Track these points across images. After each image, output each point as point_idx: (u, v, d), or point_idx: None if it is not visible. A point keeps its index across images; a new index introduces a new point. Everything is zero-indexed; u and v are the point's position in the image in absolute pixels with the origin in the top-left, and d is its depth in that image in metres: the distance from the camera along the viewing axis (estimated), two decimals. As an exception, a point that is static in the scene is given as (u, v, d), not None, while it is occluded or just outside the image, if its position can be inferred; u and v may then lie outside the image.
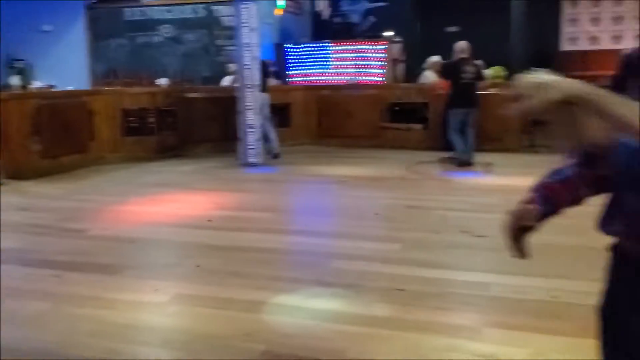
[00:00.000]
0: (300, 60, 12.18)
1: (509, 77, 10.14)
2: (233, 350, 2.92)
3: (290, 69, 12.21)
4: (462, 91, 7.99)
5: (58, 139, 7.88)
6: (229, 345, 2.97)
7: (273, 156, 8.70)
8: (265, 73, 8.63)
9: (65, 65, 12.06)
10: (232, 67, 8.71)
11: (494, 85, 9.69)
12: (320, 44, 12.12)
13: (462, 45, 8.11)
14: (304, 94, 10.58)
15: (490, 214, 5.54)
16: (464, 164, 8.01)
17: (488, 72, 10.24)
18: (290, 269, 4.19)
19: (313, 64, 12.03)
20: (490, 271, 3.95)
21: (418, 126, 9.73)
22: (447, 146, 8.38)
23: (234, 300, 3.52)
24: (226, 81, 9.94)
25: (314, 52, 12.05)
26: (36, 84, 10.63)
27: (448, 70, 8.32)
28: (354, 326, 3.17)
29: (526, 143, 9.04)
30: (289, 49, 12.28)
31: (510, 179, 6.93)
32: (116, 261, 4.28)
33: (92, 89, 10.81)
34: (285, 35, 12.99)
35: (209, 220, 5.34)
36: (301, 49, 12.25)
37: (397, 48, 11.67)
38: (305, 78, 12.03)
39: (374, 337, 3.05)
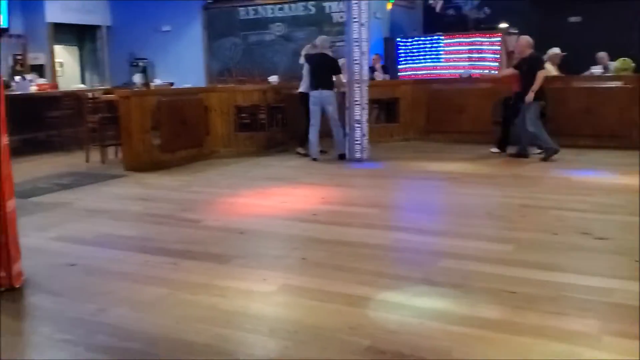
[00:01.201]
0: (410, 54, 12.04)
1: (636, 69, 9.44)
2: (338, 343, 2.93)
3: (400, 62, 12.10)
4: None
5: (176, 134, 8.31)
6: (334, 338, 2.98)
7: (339, 156, 8.51)
8: (333, 69, 8.46)
9: (183, 63, 12.72)
10: (340, 62, 8.75)
11: (618, 79, 9.08)
12: (432, 37, 11.91)
13: (529, 39, 8.18)
14: (413, 88, 10.43)
15: (612, 215, 5.19)
16: (553, 153, 7.92)
17: (614, 64, 9.60)
18: (395, 265, 4.14)
19: (424, 57, 11.85)
20: (613, 276, 3.69)
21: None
22: (516, 140, 8.37)
23: (339, 293, 3.53)
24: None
25: (425, 46, 11.87)
26: (156, 82, 11.27)
27: (536, 62, 8.10)
28: (461, 327, 3.07)
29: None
30: (399, 43, 12.17)
31: (634, 178, 6.46)
32: (227, 251, 4.43)
33: (207, 86, 11.31)
34: (395, 29, 12.89)
35: (314, 215, 5.41)
36: (412, 43, 12.10)
37: (512, 40, 11.22)
38: (415, 72, 11.88)
39: (482, 339, 2.94)
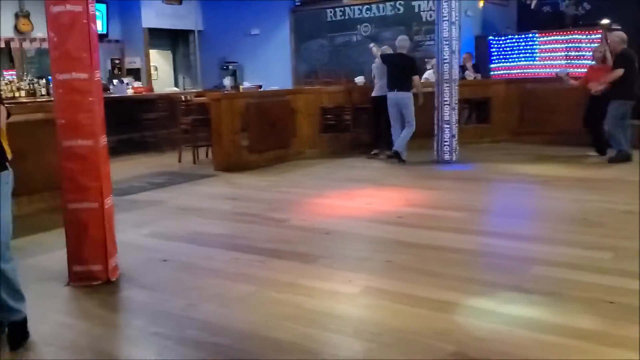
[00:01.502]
0: (503, 53, 11.70)
1: None
2: (423, 347, 2.88)
3: (493, 61, 11.78)
4: (631, 82, 7.60)
5: (263, 135, 8.48)
6: (420, 342, 2.93)
7: (393, 154, 8.31)
8: (410, 70, 8.20)
9: (271, 66, 12.96)
10: (430, 62, 8.61)
11: None
12: (526, 35, 11.51)
13: (623, 35, 7.84)
14: (506, 88, 10.09)
15: None
16: (626, 158, 7.65)
17: None
18: (484, 271, 4.02)
19: (517, 56, 11.47)
20: None
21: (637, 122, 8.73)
22: (596, 141, 8.15)
23: (425, 298, 3.47)
24: (427, 76, 9.90)
25: (519, 44, 11.48)
26: (245, 84, 11.54)
27: (625, 60, 7.73)
28: (553, 336, 2.94)
29: None
30: (491, 41, 11.86)
31: None
32: (313, 251, 4.46)
33: (294, 88, 11.45)
34: (488, 27, 12.57)
35: (399, 217, 5.34)
36: (505, 41, 11.75)
37: (612, 37, 10.61)
38: (508, 71, 11.53)
39: (576, 350, 2.79)
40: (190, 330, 3.15)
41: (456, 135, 8.20)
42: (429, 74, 9.93)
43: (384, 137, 8.71)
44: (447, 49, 7.97)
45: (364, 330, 3.11)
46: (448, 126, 8.12)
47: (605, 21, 11.08)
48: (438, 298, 3.46)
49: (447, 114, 8.10)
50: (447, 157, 8.17)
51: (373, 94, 8.80)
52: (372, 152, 8.89)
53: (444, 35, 7.96)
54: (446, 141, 8.16)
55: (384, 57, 8.52)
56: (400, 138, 8.21)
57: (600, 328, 3.00)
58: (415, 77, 8.19)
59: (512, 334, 2.98)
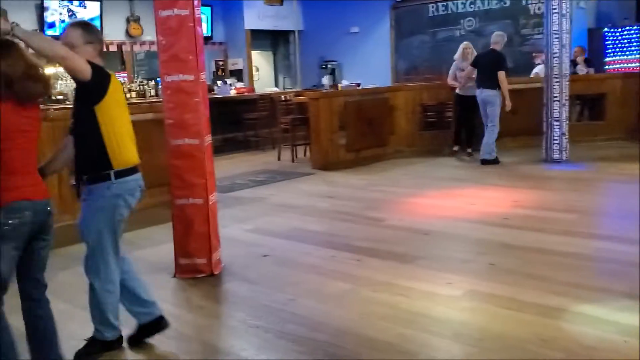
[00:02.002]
0: (620, 46, 10.99)
1: None
2: (528, 354, 2.75)
3: (608, 55, 11.09)
4: None
5: (361, 134, 8.46)
6: (524, 349, 2.80)
7: (481, 161, 7.91)
8: (496, 66, 7.80)
9: (370, 64, 12.91)
10: (541, 56, 8.20)
11: None
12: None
13: None
14: (623, 83, 9.44)
15: None
16: None
17: None
18: (595, 277, 3.78)
19: (636, 48, 10.73)
20: None
21: None
22: None
23: (531, 303, 3.31)
24: (537, 71, 9.48)
25: (638, 36, 10.73)
26: (344, 83, 11.57)
27: None
28: (674, 350, 2.71)
29: None
30: (607, 34, 11.17)
31: None
32: (411, 251, 4.39)
33: (393, 86, 11.35)
34: (602, 18, 11.84)
35: (505, 219, 5.14)
36: (622, 33, 11.03)
37: None
38: (625, 65, 10.81)
39: (703, 367, 2.56)
40: (290, 325, 3.19)
41: (566, 133, 7.78)
42: (539, 69, 9.49)
43: (466, 136, 8.61)
44: (557, 42, 7.59)
45: (465, 333, 3.02)
46: (558, 123, 7.73)
47: None
48: (545, 303, 3.29)
49: (557, 110, 7.72)
50: (556, 155, 7.78)
51: (456, 91, 8.59)
52: (453, 149, 8.73)
53: (554, 29, 7.59)
54: (556, 139, 7.77)
55: (474, 59, 8.24)
56: (483, 145, 7.94)
57: None
58: (500, 73, 7.79)
59: (625, 344, 2.78)
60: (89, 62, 2.65)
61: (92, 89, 2.69)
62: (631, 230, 4.63)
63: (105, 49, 2.83)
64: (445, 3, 11.97)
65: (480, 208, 5.59)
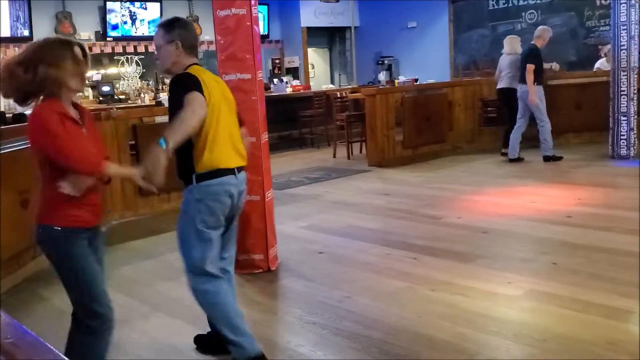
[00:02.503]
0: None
1: None
2: (592, 356, 2.65)
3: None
4: None
5: (419, 130, 8.36)
6: (588, 351, 2.70)
7: (544, 158, 7.58)
8: (526, 60, 7.44)
9: (428, 59, 12.75)
10: (604, 49, 7.89)
11: None
12: None
13: None
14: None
15: None
16: None
17: None
18: (666, 277, 3.61)
19: None
20: None
21: None
22: None
23: (595, 304, 3.19)
24: (599, 65, 9.13)
25: None
26: (401, 79, 11.46)
27: None
28: None
29: None
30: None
31: None
32: (469, 250, 4.31)
33: (451, 81, 11.16)
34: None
35: (569, 217, 4.98)
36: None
37: None
38: None
39: None
40: (346, 322, 3.18)
41: (635, 129, 7.46)
42: (600, 63, 9.13)
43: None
44: (625, 34, 7.29)
45: (526, 334, 2.93)
46: (625, 118, 7.43)
47: None
48: (610, 305, 3.16)
49: (624, 105, 7.41)
50: (623, 152, 7.48)
51: (500, 86, 8.17)
52: (502, 151, 8.18)
53: (622, 20, 7.28)
54: (623, 135, 7.47)
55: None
56: (540, 142, 7.67)
57: None
58: (528, 66, 7.42)
59: (699, 350, 2.64)
60: (178, 83, 2.53)
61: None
62: None
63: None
64: (506, -4, 11.69)
65: (541, 206, 5.43)
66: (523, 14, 11.44)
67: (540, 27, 7.91)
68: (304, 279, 3.92)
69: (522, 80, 7.54)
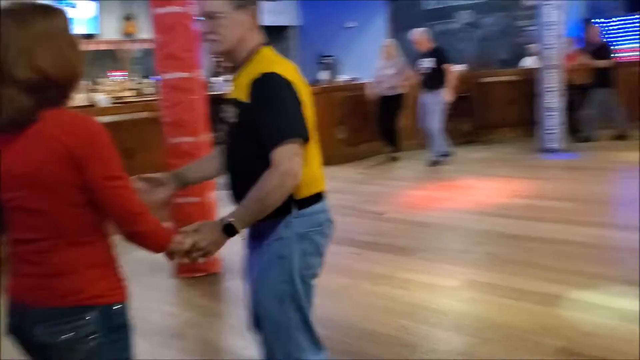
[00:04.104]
0: (613, 36, 10.98)
1: None
2: (528, 343, 2.77)
3: (602, 45, 11.08)
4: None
5: (360, 128, 8.46)
6: (524, 338, 2.82)
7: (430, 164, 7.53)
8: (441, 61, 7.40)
9: (368, 58, 12.86)
10: (532, 48, 8.18)
11: None
12: (637, 16, 10.75)
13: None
14: (619, 72, 9.45)
15: None
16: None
17: None
18: (592, 263, 3.80)
19: (628, 38, 10.74)
20: None
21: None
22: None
23: (529, 291, 3.34)
24: (526, 62, 9.48)
25: (630, 26, 10.74)
26: (341, 78, 11.56)
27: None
28: (671, 333, 2.73)
29: None
30: (600, 24, 11.17)
31: None
32: (410, 243, 4.41)
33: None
34: (596, 9, 11.84)
35: (504, 208, 5.16)
36: (614, 23, 11.03)
37: None
38: (621, 54, 10.81)
39: (700, 350, 2.58)
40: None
41: (562, 123, 7.79)
42: (529, 61, 9.48)
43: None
44: (551, 33, 7.60)
45: (465, 324, 3.04)
46: (553, 113, 7.74)
47: None
48: (544, 291, 3.32)
49: (552, 100, 7.73)
50: (552, 145, 7.80)
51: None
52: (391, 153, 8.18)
53: (548, 19, 7.61)
54: (552, 129, 7.78)
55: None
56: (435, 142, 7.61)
57: None
58: (449, 66, 7.48)
59: (622, 328, 2.82)
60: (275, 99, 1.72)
61: None
62: (627, 217, 4.66)
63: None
64: (441, -4, 11.96)
65: (478, 198, 5.61)
66: (457, 14, 11.74)
67: (417, 30, 7.89)
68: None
69: (433, 85, 7.41)
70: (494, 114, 9.10)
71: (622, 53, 10.73)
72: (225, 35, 1.75)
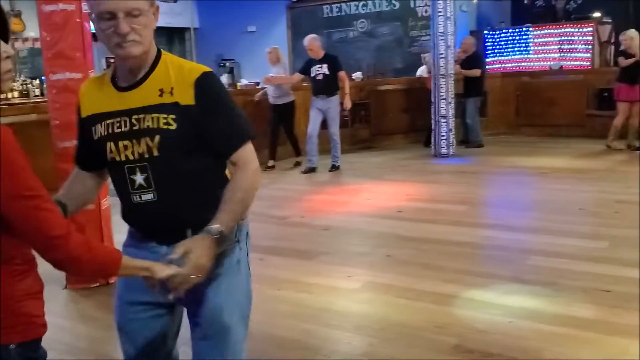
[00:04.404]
0: (498, 47, 11.70)
1: None
2: (425, 341, 2.88)
3: (488, 56, 11.77)
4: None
5: (260, 134, 8.43)
6: (421, 337, 2.93)
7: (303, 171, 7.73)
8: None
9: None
10: (425, 57, 8.55)
11: None
12: (521, 29, 11.53)
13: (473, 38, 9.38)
14: (502, 82, 10.11)
15: None
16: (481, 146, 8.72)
17: None
18: (483, 263, 4.03)
19: (512, 50, 11.48)
20: None
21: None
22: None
23: (426, 291, 3.47)
24: (421, 72, 9.88)
25: (514, 38, 11.49)
26: (243, 82, 11.49)
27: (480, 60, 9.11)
28: (552, 326, 2.95)
29: None
30: (486, 36, 11.85)
31: None
32: (312, 247, 4.46)
33: (294, 85, 11.38)
34: (482, 21, 12.56)
35: (399, 212, 5.35)
36: (500, 35, 11.75)
37: (606, 30, 10.65)
38: (503, 65, 11.53)
39: (575, 338, 2.81)
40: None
41: (453, 130, 8.20)
42: (422, 70, 9.88)
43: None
44: (443, 44, 7.97)
45: (365, 325, 3.11)
46: (445, 120, 8.12)
47: (596, 14, 11.10)
48: (439, 291, 3.46)
49: (444, 108, 8.10)
50: (444, 151, 8.17)
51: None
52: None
53: (440, 31, 7.97)
54: (443, 135, 8.16)
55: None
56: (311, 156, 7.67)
57: (598, 316, 3.02)
58: (344, 73, 7.60)
59: (512, 325, 2.99)
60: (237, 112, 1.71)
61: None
62: (514, 218, 4.99)
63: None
64: (339, 4, 12.19)
65: (376, 202, 5.78)
66: (355, 22, 12.03)
67: (309, 37, 7.87)
68: (146, 288, 3.79)
69: (327, 91, 7.44)
70: (390, 121, 9.42)
71: (509, 64, 11.47)
72: (146, 35, 1.59)
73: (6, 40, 1.33)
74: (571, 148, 8.24)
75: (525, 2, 12.62)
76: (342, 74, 7.45)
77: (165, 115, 1.59)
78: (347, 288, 3.62)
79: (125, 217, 1.77)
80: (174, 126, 1.59)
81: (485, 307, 3.25)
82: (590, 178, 6.41)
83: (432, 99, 8.18)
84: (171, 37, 14.65)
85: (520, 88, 9.93)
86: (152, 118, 1.59)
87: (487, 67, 11.59)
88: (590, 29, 10.58)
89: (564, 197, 5.62)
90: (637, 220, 4.62)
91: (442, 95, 8.08)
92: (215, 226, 1.59)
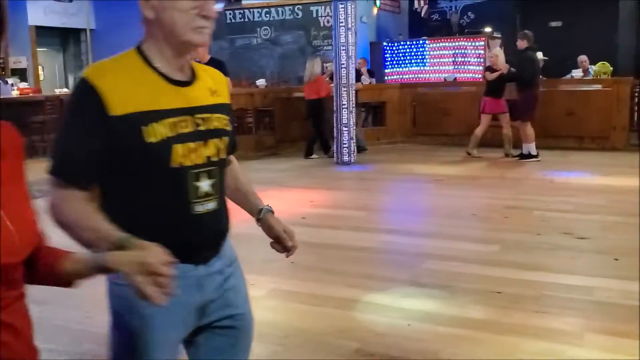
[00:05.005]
0: (396, 58, 12.13)
1: (614, 73, 9.65)
2: (327, 346, 2.95)
3: (387, 67, 12.18)
4: None
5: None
6: (324, 342, 3.00)
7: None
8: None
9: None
10: (328, 67, 8.74)
11: (598, 82, 9.26)
12: (417, 41, 12.02)
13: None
14: (400, 92, 10.51)
15: (593, 215, 5.28)
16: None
17: (594, 67, 9.79)
18: (383, 268, 4.17)
19: (409, 61, 11.95)
20: (594, 275, 3.76)
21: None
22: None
23: (328, 297, 3.55)
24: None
25: (411, 50, 11.96)
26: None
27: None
28: (448, 327, 3.11)
29: (635, 142, 8.56)
30: (385, 47, 12.25)
31: (616, 179, 6.57)
32: (216, 255, 4.43)
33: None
34: (381, 33, 12.97)
35: (303, 218, 5.43)
36: (398, 47, 12.19)
37: (496, 43, 11.37)
38: (401, 76, 11.97)
39: (469, 339, 2.98)
40: (87, 345, 3.03)
41: (354, 138, 8.42)
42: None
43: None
44: (344, 54, 8.17)
45: (269, 333, 3.14)
46: (346, 129, 8.33)
47: (487, 29, 11.83)
48: (341, 296, 3.55)
49: (345, 117, 8.31)
50: (346, 158, 8.38)
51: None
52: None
53: (341, 41, 8.16)
54: (345, 143, 8.36)
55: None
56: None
57: (490, 317, 3.21)
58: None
59: (410, 327, 3.12)
60: None
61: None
62: (411, 224, 5.22)
63: None
64: (242, 10, 12.17)
65: (280, 208, 5.70)
66: (258, 29, 12.05)
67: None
68: (37, 303, 3.56)
69: None
70: (293, 129, 9.53)
71: (406, 75, 11.93)
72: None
73: None
74: (464, 156, 8.70)
75: (423, 15, 13.20)
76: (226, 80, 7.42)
77: (225, 116, 1.51)
78: (251, 296, 3.58)
79: (167, 233, 1.37)
80: (229, 127, 1.53)
81: (385, 310, 3.37)
82: (481, 184, 6.81)
83: (335, 108, 8.37)
84: (66, 38, 14.01)
85: (416, 99, 10.36)
86: (218, 118, 1.48)
87: (385, 77, 12.02)
88: (482, 42, 11.25)
89: (457, 203, 5.93)
90: (526, 225, 4.98)
91: (344, 105, 8.28)
92: (267, 206, 1.74)
